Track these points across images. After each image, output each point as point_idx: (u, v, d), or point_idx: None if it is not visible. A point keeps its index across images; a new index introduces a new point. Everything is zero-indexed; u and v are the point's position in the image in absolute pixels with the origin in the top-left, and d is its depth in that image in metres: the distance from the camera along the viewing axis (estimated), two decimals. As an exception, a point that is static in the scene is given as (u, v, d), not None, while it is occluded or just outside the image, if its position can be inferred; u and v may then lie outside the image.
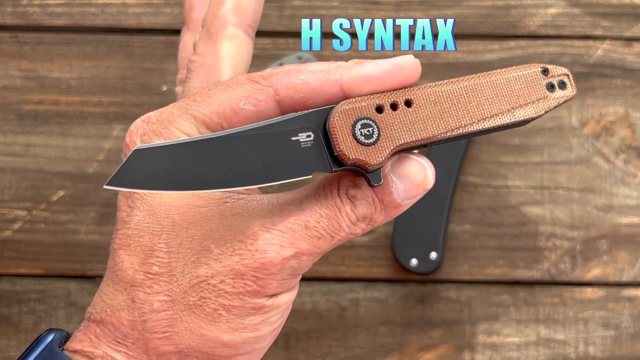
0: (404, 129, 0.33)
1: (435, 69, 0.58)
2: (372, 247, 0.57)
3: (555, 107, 0.36)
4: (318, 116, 0.33)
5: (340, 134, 0.32)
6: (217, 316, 0.33)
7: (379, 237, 0.57)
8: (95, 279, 0.58)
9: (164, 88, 0.59)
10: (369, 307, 0.57)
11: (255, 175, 0.31)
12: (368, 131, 0.33)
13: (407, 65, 0.34)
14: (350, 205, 0.33)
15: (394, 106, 0.33)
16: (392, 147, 0.33)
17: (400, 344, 0.56)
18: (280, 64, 0.57)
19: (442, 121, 0.34)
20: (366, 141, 0.32)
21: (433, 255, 0.56)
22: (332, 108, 0.33)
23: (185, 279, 0.33)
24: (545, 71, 0.36)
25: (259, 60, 0.59)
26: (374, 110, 0.33)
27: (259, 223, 0.33)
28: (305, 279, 0.57)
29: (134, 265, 0.34)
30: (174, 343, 0.33)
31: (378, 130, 0.33)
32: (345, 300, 0.57)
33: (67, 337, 0.35)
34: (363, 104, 0.33)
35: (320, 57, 0.58)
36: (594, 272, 0.57)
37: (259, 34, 0.59)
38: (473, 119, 0.34)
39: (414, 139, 0.33)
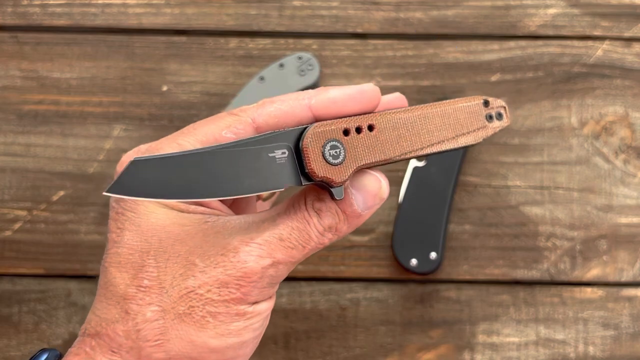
0: (366, 151, 0.37)
1: (436, 69, 0.59)
2: (372, 247, 0.57)
3: (492, 135, 0.41)
4: (292, 135, 0.36)
5: (311, 154, 0.36)
6: (204, 323, 0.36)
7: (379, 237, 0.57)
8: (95, 278, 0.58)
9: (164, 88, 0.59)
10: (369, 307, 0.57)
11: (235, 188, 0.35)
12: (336, 152, 0.36)
13: (368, 90, 0.38)
14: (317, 218, 0.37)
15: (358, 130, 0.38)
16: (355, 167, 0.37)
17: (400, 344, 0.56)
18: (281, 65, 0.57)
19: (398, 145, 0.39)
20: (334, 161, 0.36)
21: (433, 255, 0.56)
22: (304, 128, 0.36)
23: (174, 291, 0.36)
24: (486, 103, 0.41)
25: (260, 61, 0.59)
26: (342, 133, 0.37)
27: (239, 238, 0.37)
28: (305, 279, 0.57)
29: (125, 281, 0.37)
30: (165, 350, 0.36)
31: (344, 152, 0.37)
32: (345, 300, 0.57)
33: (60, 356, 0.38)
34: (332, 128, 0.37)
35: (320, 57, 0.58)
36: (594, 272, 0.57)
37: (259, 34, 0.59)
38: (424, 144, 0.39)
39: (374, 160, 0.38)
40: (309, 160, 0.36)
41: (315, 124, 0.37)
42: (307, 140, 0.36)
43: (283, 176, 0.36)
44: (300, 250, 0.37)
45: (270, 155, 0.36)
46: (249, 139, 0.36)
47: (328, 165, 0.36)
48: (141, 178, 0.34)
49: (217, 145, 0.35)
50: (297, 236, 0.37)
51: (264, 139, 0.36)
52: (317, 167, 0.36)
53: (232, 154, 0.35)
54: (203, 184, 0.34)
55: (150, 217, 0.37)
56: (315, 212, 0.37)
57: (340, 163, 0.37)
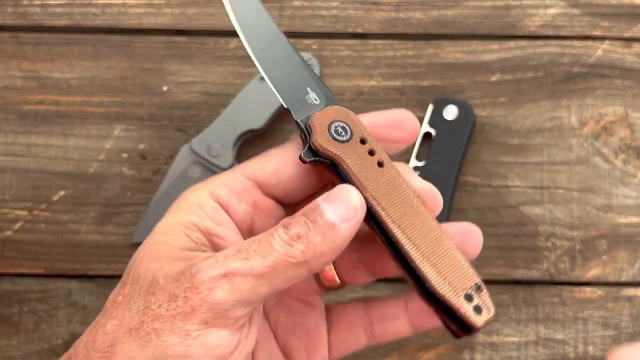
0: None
1: (435, 69, 0.59)
2: (372, 247, 0.57)
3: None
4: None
5: (318, 129, 0.36)
6: (147, 340, 0.33)
7: (379, 237, 0.57)
8: (95, 278, 0.58)
9: (165, 88, 0.59)
10: (369, 306, 0.57)
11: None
12: (343, 130, 0.36)
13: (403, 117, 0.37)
14: (282, 228, 0.34)
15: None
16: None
17: (400, 343, 0.57)
18: (281, 64, 0.57)
19: None
20: (340, 138, 0.36)
21: (433, 255, 0.56)
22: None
23: (134, 306, 0.34)
24: (469, 297, 0.36)
25: (259, 61, 0.59)
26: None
27: (202, 257, 0.34)
28: (305, 279, 0.57)
29: (110, 297, 0.36)
30: None
31: (351, 131, 0.36)
32: (345, 300, 0.57)
33: None
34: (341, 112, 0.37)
35: (320, 57, 0.59)
36: (594, 272, 0.57)
37: (259, 34, 0.59)
38: None
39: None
40: (315, 133, 0.36)
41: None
42: (315, 117, 0.36)
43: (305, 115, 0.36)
44: (260, 261, 0.33)
45: (307, 89, 0.37)
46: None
47: (334, 141, 0.36)
48: None
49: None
50: (256, 246, 0.33)
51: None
52: (323, 141, 0.36)
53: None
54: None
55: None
56: (282, 225, 0.34)
57: (347, 141, 0.36)
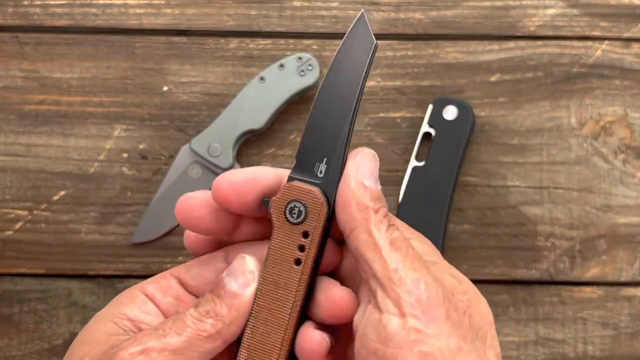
0: None
1: (435, 69, 0.59)
2: (372, 246, 0.57)
3: None
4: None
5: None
6: None
7: (379, 236, 0.57)
8: (96, 278, 0.58)
9: (165, 88, 0.59)
10: (368, 306, 0.57)
11: None
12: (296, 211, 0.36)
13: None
14: (193, 308, 0.36)
15: None
16: None
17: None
18: (281, 65, 0.57)
19: None
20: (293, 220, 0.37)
21: (433, 254, 0.56)
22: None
23: None
24: None
25: (260, 61, 0.59)
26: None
27: (124, 338, 0.36)
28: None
29: None
30: None
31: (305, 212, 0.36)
32: (345, 299, 0.57)
33: None
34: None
35: (320, 57, 0.59)
36: (593, 272, 0.58)
37: (260, 34, 0.59)
38: None
39: None
40: (273, 204, 0.37)
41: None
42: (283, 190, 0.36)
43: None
44: (175, 337, 0.35)
45: (325, 159, 0.37)
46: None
47: (284, 219, 0.36)
48: None
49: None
50: (171, 324, 0.36)
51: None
52: (274, 211, 0.36)
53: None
54: None
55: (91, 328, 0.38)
56: (194, 304, 0.36)
57: (299, 223, 0.36)
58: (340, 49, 0.36)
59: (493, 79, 0.59)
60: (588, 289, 0.58)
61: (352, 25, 0.36)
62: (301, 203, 0.36)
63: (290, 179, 0.36)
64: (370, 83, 0.58)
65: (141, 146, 0.59)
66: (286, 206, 0.36)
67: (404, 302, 0.34)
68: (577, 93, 0.59)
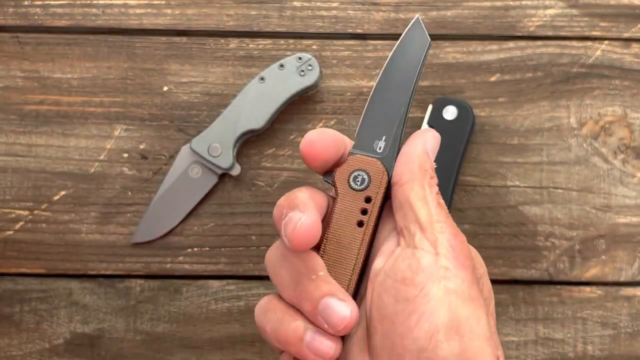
0: None
1: (435, 69, 0.59)
2: (372, 246, 0.57)
3: None
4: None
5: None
6: None
7: (379, 236, 0.58)
8: (96, 278, 0.58)
9: (165, 88, 0.59)
10: (368, 306, 0.57)
11: None
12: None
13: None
14: None
15: None
16: None
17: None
18: (281, 65, 0.57)
19: None
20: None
21: (432, 254, 0.56)
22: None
23: None
24: None
25: (260, 61, 0.59)
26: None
27: None
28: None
29: None
30: None
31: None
32: (345, 299, 0.57)
33: None
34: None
35: (320, 57, 0.59)
36: (593, 272, 0.58)
37: (260, 34, 0.59)
38: None
39: None
40: (337, 174, 0.41)
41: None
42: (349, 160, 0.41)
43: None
44: None
45: (384, 137, 0.42)
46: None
47: (348, 186, 0.41)
48: None
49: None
50: None
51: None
52: (338, 180, 0.41)
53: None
54: None
55: None
56: None
57: (362, 189, 0.41)
58: (398, 46, 0.42)
59: (493, 79, 0.59)
60: (588, 288, 0.58)
61: (408, 27, 0.42)
62: (365, 172, 0.40)
63: (351, 153, 0.41)
64: (370, 83, 0.59)
65: (141, 146, 0.59)
66: (350, 175, 0.41)
67: (440, 245, 0.38)
68: (576, 93, 0.59)
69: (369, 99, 0.42)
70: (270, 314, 0.40)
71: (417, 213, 0.39)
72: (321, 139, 0.40)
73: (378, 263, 0.39)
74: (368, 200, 0.40)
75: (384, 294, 0.38)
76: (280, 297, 0.41)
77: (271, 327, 0.40)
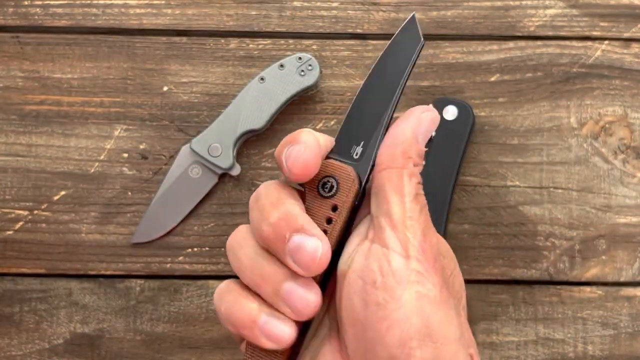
0: None
1: (435, 69, 0.59)
2: (372, 246, 0.57)
3: None
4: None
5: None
6: None
7: (379, 236, 0.57)
8: (96, 278, 0.58)
9: (165, 88, 0.59)
10: (368, 306, 0.57)
11: None
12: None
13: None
14: None
15: None
16: None
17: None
18: (281, 65, 0.57)
19: None
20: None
21: (432, 254, 0.56)
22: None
23: None
24: None
25: (260, 61, 0.59)
26: None
27: None
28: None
29: None
30: None
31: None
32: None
33: None
34: None
35: (320, 57, 0.59)
36: (593, 272, 0.58)
37: (260, 34, 0.59)
38: None
39: None
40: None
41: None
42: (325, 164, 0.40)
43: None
44: None
45: (362, 142, 0.40)
46: None
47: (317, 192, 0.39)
48: None
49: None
50: None
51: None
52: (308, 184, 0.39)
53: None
54: None
55: None
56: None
57: (330, 197, 0.39)
58: (389, 46, 0.39)
59: (493, 79, 0.59)
60: (588, 288, 0.58)
61: (402, 24, 0.39)
62: (334, 179, 0.38)
63: (327, 157, 0.39)
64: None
65: (141, 146, 0.59)
66: (320, 180, 0.38)
67: (411, 247, 0.36)
68: (576, 93, 0.59)
69: (352, 101, 0.40)
70: (227, 295, 0.39)
71: (390, 207, 0.37)
72: (315, 159, 0.38)
73: (350, 247, 0.38)
74: (335, 208, 0.38)
75: (355, 296, 0.37)
76: (239, 281, 0.39)
77: (225, 307, 0.39)
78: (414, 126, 0.39)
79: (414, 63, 0.39)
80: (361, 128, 0.39)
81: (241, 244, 0.39)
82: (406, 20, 0.39)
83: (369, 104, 0.39)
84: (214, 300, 0.40)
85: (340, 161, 0.38)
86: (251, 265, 0.38)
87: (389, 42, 0.39)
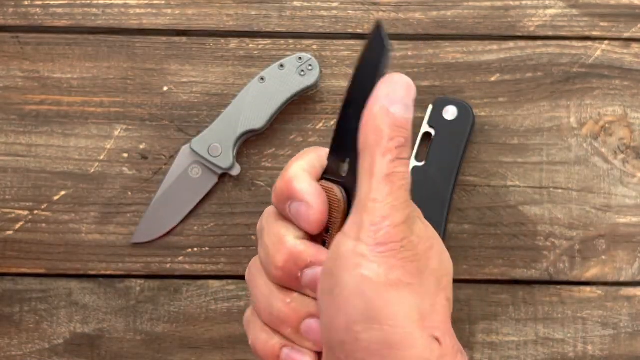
0: None
1: (435, 69, 0.59)
2: (372, 246, 0.57)
3: None
4: None
5: None
6: None
7: (379, 236, 0.57)
8: (96, 278, 0.58)
9: (165, 88, 0.59)
10: (368, 306, 0.57)
11: None
12: None
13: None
14: None
15: None
16: None
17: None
18: (281, 65, 0.57)
19: None
20: None
21: (432, 254, 0.56)
22: None
23: None
24: None
25: (260, 61, 0.59)
26: None
27: None
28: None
29: None
30: None
31: None
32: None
33: None
34: None
35: (320, 57, 0.59)
36: (593, 272, 0.58)
37: (260, 34, 0.59)
38: None
39: None
40: None
41: None
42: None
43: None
44: None
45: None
46: None
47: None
48: None
49: None
50: None
51: None
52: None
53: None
54: None
55: None
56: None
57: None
58: (359, 58, 0.38)
59: (493, 79, 0.59)
60: (588, 288, 0.58)
61: (369, 34, 0.37)
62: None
63: (321, 178, 0.39)
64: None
65: (141, 146, 0.59)
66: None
67: (364, 230, 0.35)
68: (576, 93, 0.59)
69: (338, 114, 0.39)
70: (250, 326, 0.40)
71: (359, 189, 0.36)
72: (322, 215, 0.38)
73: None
74: (327, 230, 0.38)
75: (319, 287, 0.37)
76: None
77: (251, 339, 0.40)
78: (381, 99, 0.36)
79: (380, 72, 0.37)
80: (344, 145, 0.38)
81: (255, 283, 0.40)
82: (372, 29, 0.37)
83: (348, 120, 0.38)
84: (244, 327, 0.41)
85: (330, 180, 0.38)
86: (268, 308, 0.39)
87: (360, 54, 0.38)
